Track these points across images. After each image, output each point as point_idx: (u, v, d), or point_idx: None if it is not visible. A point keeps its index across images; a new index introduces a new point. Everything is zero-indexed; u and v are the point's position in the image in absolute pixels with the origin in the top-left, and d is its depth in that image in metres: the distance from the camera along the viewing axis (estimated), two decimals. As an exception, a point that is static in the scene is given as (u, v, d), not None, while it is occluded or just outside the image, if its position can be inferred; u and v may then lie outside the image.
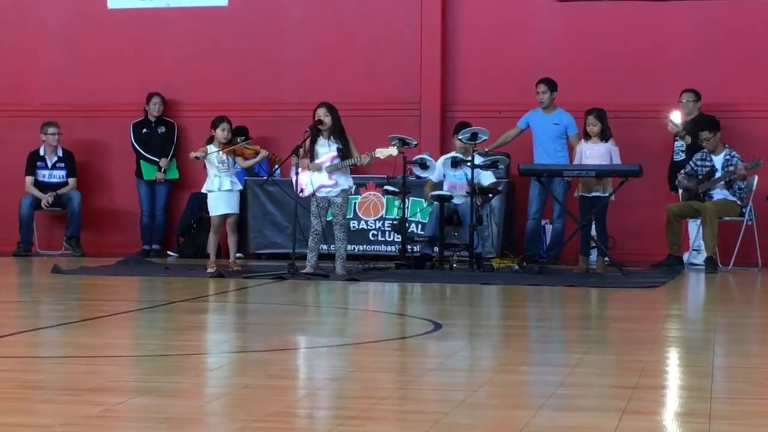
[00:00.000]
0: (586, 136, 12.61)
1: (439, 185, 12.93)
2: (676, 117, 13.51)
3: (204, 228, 12.56)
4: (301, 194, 11.91)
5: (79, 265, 13.26)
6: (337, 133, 11.85)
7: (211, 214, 12.17)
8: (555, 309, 9.83)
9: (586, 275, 12.13)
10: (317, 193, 11.78)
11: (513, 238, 14.09)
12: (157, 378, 5.91)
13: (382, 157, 11.99)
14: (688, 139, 13.56)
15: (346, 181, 11.92)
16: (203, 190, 12.26)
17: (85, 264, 13.35)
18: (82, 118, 15.59)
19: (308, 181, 11.76)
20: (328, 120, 11.81)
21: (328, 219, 11.98)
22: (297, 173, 11.78)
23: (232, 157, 12.09)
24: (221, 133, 12.08)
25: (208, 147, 12.12)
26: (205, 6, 15.49)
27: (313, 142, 11.86)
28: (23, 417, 4.88)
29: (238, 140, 12.45)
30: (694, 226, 13.78)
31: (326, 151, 11.84)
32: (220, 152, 11.98)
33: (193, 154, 12.31)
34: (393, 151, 11.95)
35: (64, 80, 15.74)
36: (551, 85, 13.80)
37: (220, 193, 12.04)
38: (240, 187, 12.33)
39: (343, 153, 11.79)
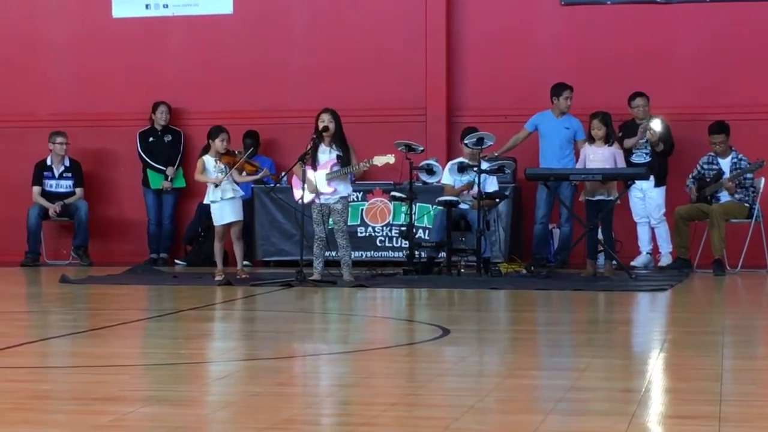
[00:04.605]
0: (590, 140, 12.61)
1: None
2: (657, 125, 13.52)
3: (211, 236, 12.57)
4: (299, 201, 11.89)
5: (86, 274, 13.27)
6: (339, 140, 11.84)
7: (215, 224, 12.14)
8: (563, 313, 9.84)
9: (593, 279, 12.13)
10: (317, 200, 11.76)
11: (520, 242, 14.10)
12: (166, 387, 5.92)
13: (379, 165, 11.98)
14: (661, 146, 13.58)
15: (345, 189, 11.89)
16: (206, 201, 12.20)
17: (93, 273, 13.36)
18: (89, 128, 15.61)
19: (310, 188, 11.73)
20: (332, 126, 11.81)
21: (330, 226, 11.95)
22: (304, 179, 11.77)
23: (228, 168, 12.00)
24: (220, 144, 12.06)
25: (205, 159, 12.07)
26: (211, 14, 15.50)
27: (315, 149, 11.85)
28: (34, 427, 4.88)
29: (237, 152, 12.38)
30: (645, 230, 13.82)
31: (326, 158, 11.83)
32: (220, 165, 11.93)
33: (204, 180, 12.11)
34: (390, 158, 11.91)
35: (70, 90, 15.76)
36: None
37: (224, 202, 12.01)
38: (242, 193, 12.27)
39: (343, 160, 11.78)
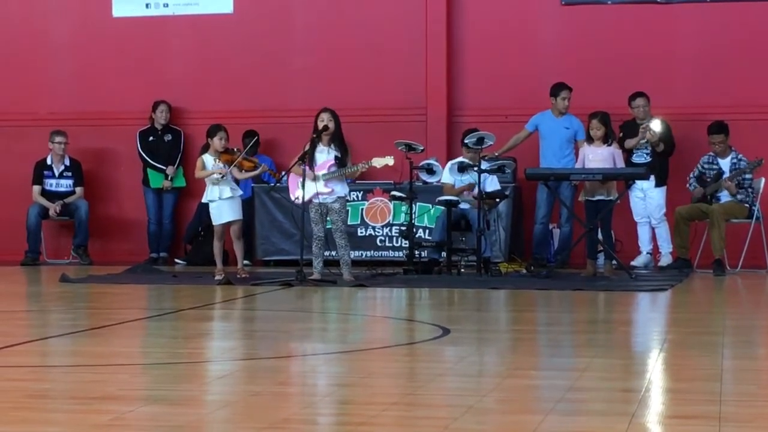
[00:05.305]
0: (589, 140, 12.61)
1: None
2: (656, 126, 13.53)
3: (212, 235, 12.58)
4: (296, 201, 11.89)
5: (86, 273, 13.27)
6: (337, 140, 11.83)
7: (214, 223, 12.14)
8: (563, 313, 9.83)
9: (593, 279, 12.12)
10: (314, 200, 11.75)
11: (521, 242, 14.09)
12: (165, 386, 5.92)
13: (378, 166, 11.98)
14: (661, 146, 13.59)
15: (342, 189, 11.89)
16: (204, 200, 12.21)
17: (93, 272, 13.36)
18: (89, 127, 15.61)
19: (309, 187, 11.71)
20: (332, 125, 11.80)
21: (329, 226, 11.95)
22: (304, 179, 11.73)
23: (228, 166, 12.00)
24: (218, 142, 12.06)
25: (204, 158, 12.08)
26: (211, 14, 15.51)
27: (313, 148, 11.84)
28: (33, 426, 4.88)
29: (236, 150, 12.39)
30: (645, 230, 13.83)
31: (324, 157, 11.82)
32: (219, 164, 11.93)
33: (211, 176, 12.08)
34: (389, 160, 11.91)
35: (70, 89, 15.76)
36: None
37: (222, 202, 12.01)
38: (240, 192, 12.26)
39: (341, 161, 11.78)
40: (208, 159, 12.08)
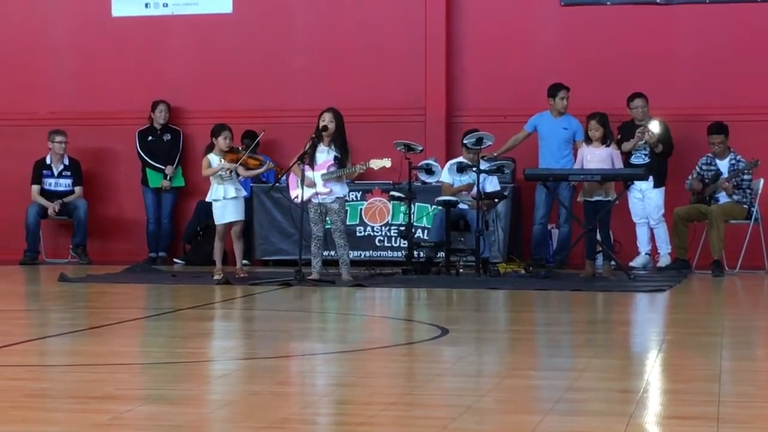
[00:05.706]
0: (588, 141, 12.61)
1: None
2: (655, 127, 13.54)
3: (210, 235, 12.58)
4: (295, 200, 11.90)
5: (85, 273, 13.27)
6: (339, 141, 11.83)
7: (216, 223, 12.15)
8: (562, 313, 9.83)
9: (592, 279, 12.13)
10: (313, 200, 11.76)
11: (519, 242, 14.09)
12: (164, 386, 5.92)
13: (375, 168, 11.98)
14: (660, 147, 13.60)
15: (341, 189, 11.89)
16: (208, 199, 12.21)
17: (92, 272, 13.36)
18: (88, 127, 15.61)
19: (308, 184, 11.72)
20: (332, 126, 11.80)
21: (328, 226, 11.96)
22: (302, 179, 11.74)
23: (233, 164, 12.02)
24: (223, 142, 12.07)
25: (210, 158, 12.09)
26: (210, 13, 15.50)
27: (314, 147, 11.84)
28: (32, 426, 4.88)
29: (240, 149, 12.41)
30: (644, 231, 13.83)
31: (324, 157, 11.83)
32: (227, 163, 11.94)
33: (217, 173, 12.08)
34: (386, 162, 11.92)
35: (69, 89, 15.75)
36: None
37: (226, 201, 12.02)
38: (245, 193, 12.29)
39: (340, 162, 11.78)
40: (214, 158, 12.09)
